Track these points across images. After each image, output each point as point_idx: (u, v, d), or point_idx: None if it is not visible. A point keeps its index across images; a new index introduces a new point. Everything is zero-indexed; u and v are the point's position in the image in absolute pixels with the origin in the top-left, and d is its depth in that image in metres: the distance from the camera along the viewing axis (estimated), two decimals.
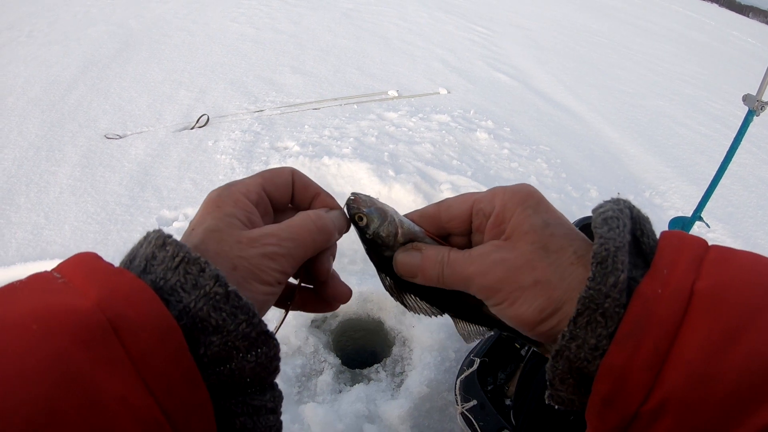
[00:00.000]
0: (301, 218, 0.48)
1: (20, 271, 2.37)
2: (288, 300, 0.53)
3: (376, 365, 2.03)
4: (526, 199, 0.47)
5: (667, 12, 16.80)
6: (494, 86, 5.53)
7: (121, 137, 3.64)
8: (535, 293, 0.43)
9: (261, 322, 0.39)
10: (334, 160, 3.11)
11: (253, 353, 0.39)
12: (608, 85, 6.68)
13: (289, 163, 3.16)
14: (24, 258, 2.44)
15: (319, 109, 4.22)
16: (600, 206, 0.43)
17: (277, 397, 0.43)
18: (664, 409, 0.35)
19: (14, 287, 0.36)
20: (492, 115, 4.48)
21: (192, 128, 3.82)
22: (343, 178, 3.04)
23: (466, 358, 1.59)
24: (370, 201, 0.52)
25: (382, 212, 0.51)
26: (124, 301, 0.34)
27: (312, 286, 0.54)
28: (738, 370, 0.33)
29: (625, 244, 0.39)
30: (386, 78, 5.14)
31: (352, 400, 1.79)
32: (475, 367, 1.48)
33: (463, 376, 1.49)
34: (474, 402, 1.41)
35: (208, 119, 3.91)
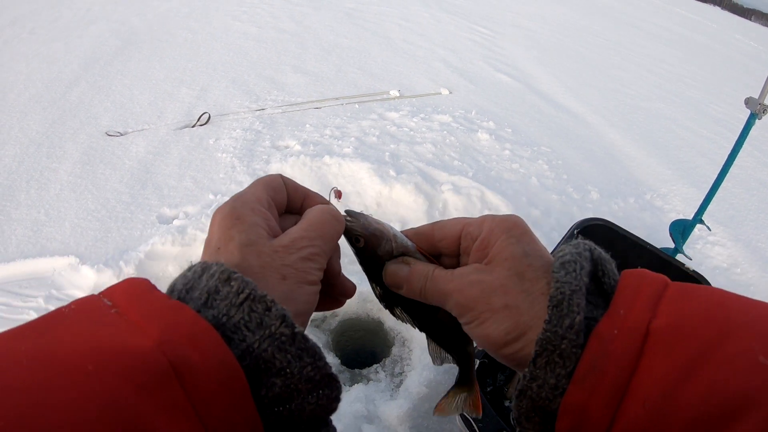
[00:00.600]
0: (317, 215, 0.48)
1: (20, 268, 2.38)
2: None
3: (375, 365, 2.03)
4: (512, 228, 0.48)
5: (669, 14, 16.79)
6: (496, 87, 5.53)
7: (122, 135, 3.64)
8: (503, 316, 0.44)
9: (326, 365, 0.38)
10: (335, 160, 3.11)
11: (315, 395, 0.38)
12: (610, 86, 6.67)
13: (290, 162, 3.16)
14: (24, 254, 2.44)
15: (320, 108, 4.21)
16: (560, 250, 0.45)
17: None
18: None
19: (62, 314, 0.34)
20: (493, 115, 4.48)
21: (193, 126, 3.82)
22: (344, 177, 3.03)
23: None
24: (365, 221, 0.53)
25: (379, 233, 0.53)
26: (187, 342, 0.33)
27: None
28: (694, 405, 0.34)
29: (582, 287, 0.40)
30: (388, 78, 5.14)
31: (351, 400, 1.78)
32: (475, 367, 1.47)
33: None
34: None
35: (209, 117, 3.91)
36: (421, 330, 0.56)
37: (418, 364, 1.90)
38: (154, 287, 0.37)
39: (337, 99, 4.42)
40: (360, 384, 1.91)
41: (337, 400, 0.40)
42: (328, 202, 0.54)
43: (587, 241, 0.45)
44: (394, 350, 2.08)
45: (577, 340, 0.38)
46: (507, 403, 1.58)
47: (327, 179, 3.04)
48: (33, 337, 0.31)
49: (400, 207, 2.81)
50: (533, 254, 0.46)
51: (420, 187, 2.85)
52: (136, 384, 0.29)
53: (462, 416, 1.41)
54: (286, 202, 0.52)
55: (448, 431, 1.71)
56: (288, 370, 0.36)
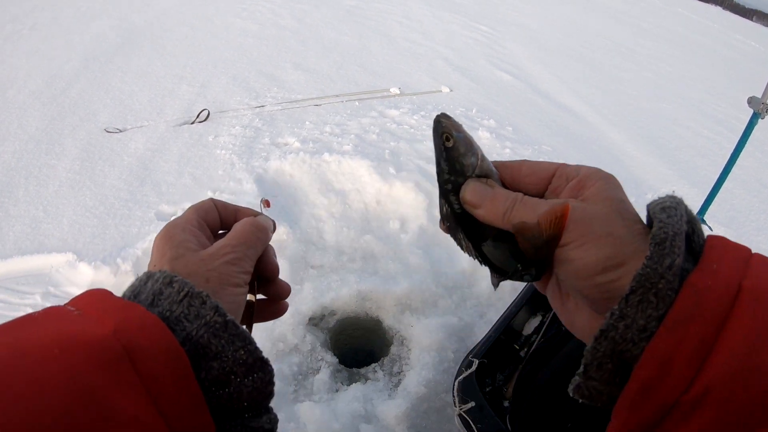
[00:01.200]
0: (240, 225, 0.54)
1: (18, 265, 2.36)
2: (249, 315, 0.57)
3: (373, 364, 2.01)
4: (610, 178, 0.49)
5: (670, 15, 16.76)
6: (497, 85, 5.51)
7: (121, 131, 3.63)
8: (606, 242, 0.44)
9: (257, 349, 0.42)
10: (334, 157, 3.09)
11: (250, 378, 0.42)
12: (611, 86, 6.65)
13: (290, 159, 3.14)
14: (21, 251, 2.42)
15: (320, 105, 4.20)
16: (657, 199, 0.45)
17: (273, 419, 0.47)
18: (705, 399, 0.36)
19: (33, 318, 0.38)
20: (494, 114, 4.46)
21: (192, 123, 3.80)
22: (343, 175, 3.02)
23: (464, 359, 1.57)
24: (458, 126, 0.53)
25: (469, 141, 0.52)
26: (137, 330, 0.37)
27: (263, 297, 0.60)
28: None
29: (682, 232, 0.41)
30: (388, 75, 5.12)
31: (349, 400, 1.77)
32: (473, 368, 1.46)
33: (461, 377, 1.47)
34: (472, 404, 1.39)
35: (208, 114, 3.89)
36: (481, 262, 0.54)
37: (417, 363, 1.89)
38: (111, 293, 0.42)
39: (337, 96, 4.40)
40: (358, 383, 1.90)
41: (271, 383, 0.44)
42: (257, 215, 0.59)
43: (681, 198, 0.45)
44: (393, 349, 2.07)
45: (674, 283, 0.38)
46: (506, 404, 1.56)
47: (326, 177, 3.02)
48: (6, 331, 0.36)
49: (400, 205, 2.79)
50: (628, 203, 0.47)
51: (420, 185, 2.83)
52: (95, 364, 0.34)
53: (461, 417, 1.39)
54: (219, 221, 0.58)
55: (447, 431, 1.69)
56: (223, 354, 0.41)
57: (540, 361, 0.90)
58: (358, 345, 2.21)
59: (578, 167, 0.51)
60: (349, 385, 1.90)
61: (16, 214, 2.66)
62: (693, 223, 0.44)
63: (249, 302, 0.56)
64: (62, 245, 2.47)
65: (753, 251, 0.43)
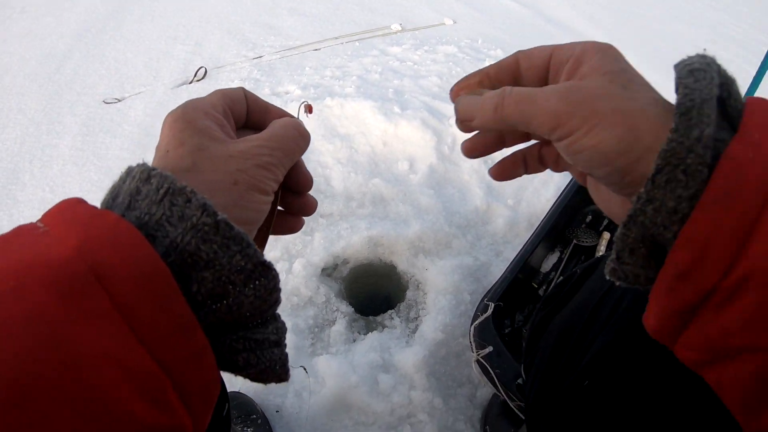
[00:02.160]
0: (282, 127, 0.47)
1: None
2: (267, 227, 0.50)
3: (389, 311, 1.96)
4: (608, 49, 0.44)
5: None
6: (503, 14, 5.20)
7: (119, 101, 3.54)
8: (614, 121, 0.38)
9: (257, 252, 0.36)
10: (336, 101, 2.96)
11: (251, 286, 0.36)
12: (627, 8, 6.24)
13: (291, 108, 3.01)
14: None
15: (319, 49, 4.02)
16: (685, 59, 0.41)
17: (280, 328, 0.42)
18: (745, 284, 0.33)
19: None
20: (501, 43, 4.21)
21: (190, 83, 3.68)
22: (347, 118, 2.89)
23: (480, 302, 1.49)
24: None
25: None
26: (108, 245, 0.31)
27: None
28: None
29: (713, 98, 0.36)
30: (388, 12, 4.87)
31: (366, 350, 1.72)
32: (489, 312, 1.38)
33: (477, 321, 1.39)
34: (490, 348, 1.31)
35: (206, 72, 3.76)
36: None
37: (433, 308, 1.82)
38: (83, 202, 0.35)
39: (336, 38, 4.21)
40: (375, 332, 1.85)
41: (276, 290, 0.38)
42: (293, 116, 0.53)
43: (713, 56, 0.41)
44: (408, 294, 2.00)
45: (705, 157, 0.34)
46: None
47: (330, 122, 2.90)
48: None
49: (407, 144, 2.67)
50: (633, 72, 0.43)
51: (427, 122, 2.69)
52: (57, 293, 0.28)
53: (478, 362, 1.32)
54: (245, 114, 0.51)
55: (467, 375, 1.63)
56: (216, 262, 0.34)
57: (553, 307, 0.80)
58: (373, 292, 2.16)
59: (572, 45, 0.45)
60: (365, 334, 1.85)
61: (24, 199, 2.63)
62: (728, 85, 0.39)
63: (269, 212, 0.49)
64: None
65: None
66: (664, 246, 0.37)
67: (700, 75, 0.37)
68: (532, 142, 0.57)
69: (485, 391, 1.57)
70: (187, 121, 0.43)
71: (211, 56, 4.06)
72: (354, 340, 1.82)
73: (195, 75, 3.72)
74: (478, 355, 1.32)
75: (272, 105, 0.53)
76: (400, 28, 4.43)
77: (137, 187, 0.37)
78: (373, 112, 2.82)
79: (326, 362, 1.67)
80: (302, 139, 0.48)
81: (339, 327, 1.84)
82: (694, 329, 0.36)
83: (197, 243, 0.34)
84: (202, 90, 3.53)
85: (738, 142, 0.34)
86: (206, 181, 0.40)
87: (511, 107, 0.43)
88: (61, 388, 0.26)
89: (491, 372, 1.26)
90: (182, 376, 0.32)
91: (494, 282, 1.58)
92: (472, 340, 1.38)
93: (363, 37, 4.26)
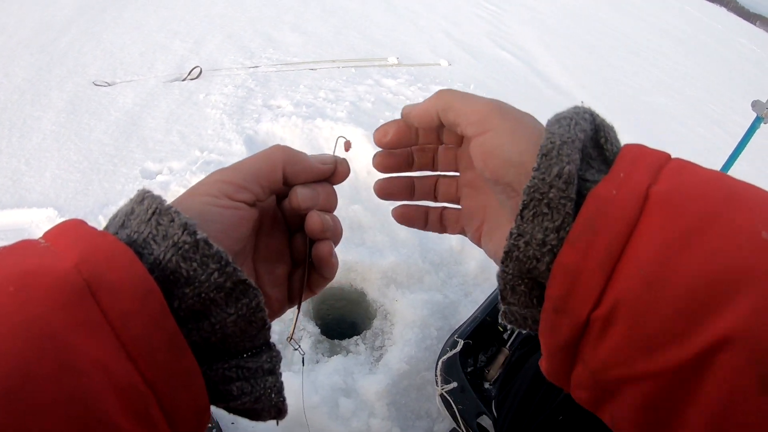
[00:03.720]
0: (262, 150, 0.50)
1: None
2: (301, 279, 0.52)
3: (355, 337, 1.97)
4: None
5: (677, 11, 16.60)
6: (497, 63, 5.41)
7: (109, 85, 3.50)
8: (532, 132, 0.44)
9: (236, 270, 0.37)
10: (327, 123, 3.01)
11: (232, 306, 0.37)
12: (612, 76, 6.59)
13: (282, 122, 3.05)
14: (1, 205, 2.33)
15: (316, 69, 4.08)
16: (560, 112, 0.43)
17: (275, 357, 0.42)
18: (615, 313, 0.34)
19: None
20: (492, 91, 4.37)
21: (183, 80, 3.66)
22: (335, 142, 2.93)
23: (449, 339, 1.53)
24: None
25: None
26: (104, 261, 0.33)
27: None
28: (693, 274, 0.32)
29: (575, 140, 0.38)
30: (387, 44, 4.99)
31: (329, 372, 1.72)
32: (458, 348, 1.42)
33: (445, 357, 1.42)
34: (454, 384, 1.35)
35: (200, 72, 3.76)
36: None
37: (400, 339, 1.84)
38: (85, 223, 0.37)
39: (333, 61, 4.28)
40: (339, 356, 1.85)
41: (259, 309, 0.38)
42: (326, 156, 0.53)
43: (590, 108, 0.44)
44: (376, 323, 2.02)
45: (567, 191, 0.36)
46: (487, 385, 1.53)
47: (318, 142, 2.94)
48: None
49: None
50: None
51: None
52: (54, 303, 0.30)
53: (442, 396, 1.35)
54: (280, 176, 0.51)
55: (427, 410, 1.65)
56: (195, 279, 0.36)
57: (531, 348, 0.84)
58: (340, 316, 2.17)
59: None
60: (330, 356, 1.85)
61: None
62: (606, 132, 0.42)
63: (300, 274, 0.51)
64: (43, 200, 2.37)
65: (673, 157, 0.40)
66: (542, 283, 0.38)
67: (564, 122, 0.40)
68: (439, 174, 0.59)
69: (443, 425, 1.59)
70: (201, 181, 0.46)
71: (208, 57, 4.08)
72: (317, 361, 1.82)
73: (189, 73, 3.71)
74: (443, 389, 1.35)
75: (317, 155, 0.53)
76: (396, 62, 4.53)
77: (132, 208, 0.39)
78: (363, 140, 2.88)
79: (289, 379, 1.66)
80: (281, 151, 0.48)
81: (304, 346, 1.83)
82: (580, 367, 0.37)
83: (177, 260, 0.35)
84: (195, 88, 3.54)
85: (604, 182, 0.37)
86: (178, 201, 0.42)
87: (448, 95, 0.48)
88: (56, 390, 0.28)
89: (454, 407, 1.28)
90: (168, 394, 0.33)
91: (463, 321, 1.63)
92: (438, 374, 1.41)
93: (360, 65, 4.33)
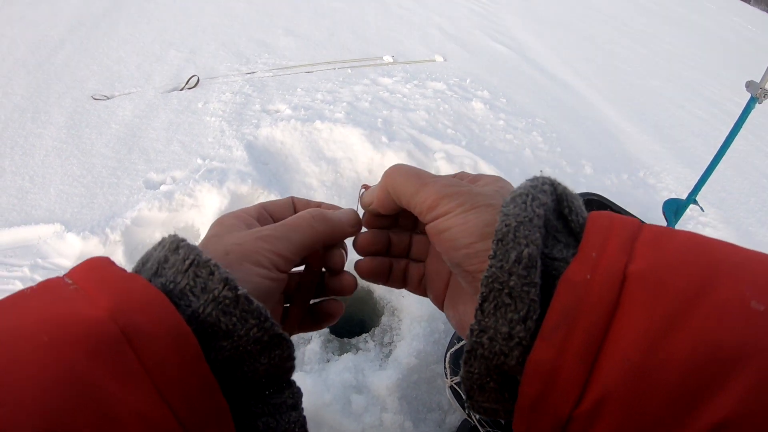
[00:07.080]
0: (296, 215, 0.48)
1: (5, 237, 2.30)
2: (305, 300, 0.52)
3: (364, 335, 2.00)
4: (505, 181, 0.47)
5: None
6: (492, 57, 5.42)
7: (108, 98, 3.53)
8: (487, 210, 0.40)
9: (273, 325, 0.37)
10: (326, 125, 3.03)
11: (266, 356, 0.38)
12: (607, 61, 6.58)
13: (281, 126, 3.08)
14: (9, 223, 2.36)
15: (312, 72, 4.10)
16: (516, 188, 0.40)
17: (296, 393, 0.43)
18: (601, 409, 0.31)
19: (25, 295, 0.34)
20: (488, 85, 4.39)
21: (181, 89, 3.70)
22: (335, 143, 2.96)
23: (456, 331, 1.56)
24: None
25: None
26: (138, 309, 0.33)
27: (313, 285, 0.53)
28: (682, 360, 0.29)
29: (532, 218, 0.36)
30: (382, 43, 5.01)
31: (339, 370, 1.76)
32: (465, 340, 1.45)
33: (453, 349, 1.46)
34: None
35: (198, 80, 3.80)
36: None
37: (408, 334, 1.87)
38: (113, 263, 0.37)
39: (329, 63, 4.31)
40: (349, 353, 1.88)
41: (290, 359, 0.40)
42: (339, 210, 0.53)
43: (548, 177, 0.40)
44: (384, 319, 2.05)
45: (529, 276, 0.33)
46: None
47: (318, 144, 2.97)
48: None
49: None
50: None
51: (412, 155, 2.79)
52: (89, 352, 0.30)
53: (452, 388, 1.39)
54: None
55: (437, 402, 1.69)
56: (234, 333, 0.36)
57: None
58: (348, 315, 2.20)
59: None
60: (340, 355, 1.88)
61: (2, 186, 2.59)
62: (569, 202, 0.39)
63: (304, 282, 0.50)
64: (50, 216, 2.41)
65: (643, 223, 0.37)
66: (514, 376, 0.35)
67: (519, 200, 0.37)
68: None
69: (454, 417, 1.63)
70: (219, 221, 0.46)
71: (204, 66, 4.11)
72: (328, 360, 1.86)
73: (187, 82, 3.75)
74: (452, 381, 1.38)
75: (324, 203, 0.54)
76: (392, 60, 4.56)
77: (165, 256, 0.38)
78: (362, 140, 2.91)
79: (301, 379, 1.70)
80: (316, 221, 0.47)
81: (314, 346, 1.87)
82: None
83: (217, 314, 0.36)
84: (193, 97, 3.58)
85: (575, 263, 0.34)
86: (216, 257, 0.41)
87: (403, 177, 0.46)
88: None
89: (464, 398, 1.32)
90: None
91: None
92: (446, 366, 1.44)
93: (355, 65, 4.36)
